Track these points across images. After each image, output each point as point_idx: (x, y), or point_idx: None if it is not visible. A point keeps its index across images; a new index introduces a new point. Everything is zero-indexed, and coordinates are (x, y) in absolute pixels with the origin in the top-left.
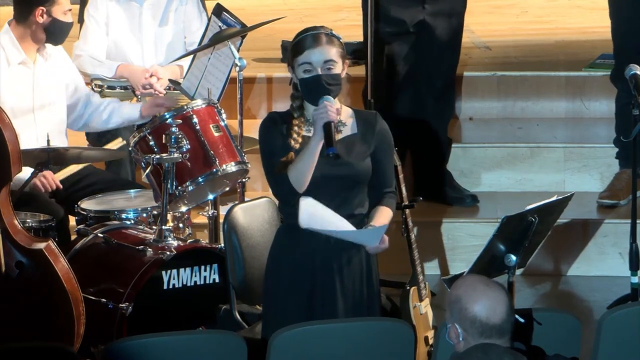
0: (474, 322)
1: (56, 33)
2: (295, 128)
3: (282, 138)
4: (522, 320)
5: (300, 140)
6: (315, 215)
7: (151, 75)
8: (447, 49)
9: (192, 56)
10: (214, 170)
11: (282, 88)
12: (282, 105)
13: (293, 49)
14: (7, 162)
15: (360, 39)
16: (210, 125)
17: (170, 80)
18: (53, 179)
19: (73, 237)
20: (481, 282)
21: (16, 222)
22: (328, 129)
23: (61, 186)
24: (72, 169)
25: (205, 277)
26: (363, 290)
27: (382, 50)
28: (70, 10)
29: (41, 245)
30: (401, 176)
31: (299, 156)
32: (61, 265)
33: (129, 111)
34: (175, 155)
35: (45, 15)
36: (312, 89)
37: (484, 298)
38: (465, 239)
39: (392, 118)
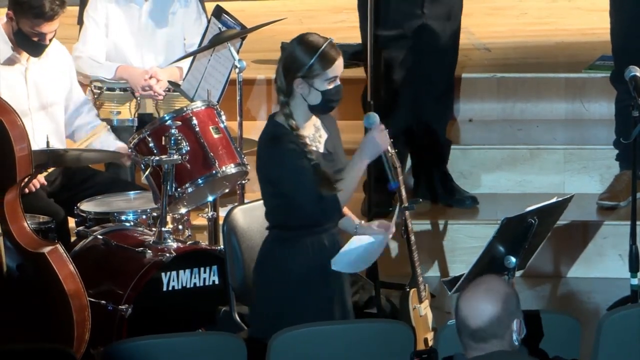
0: (457, 315)
1: (21, 44)
2: (308, 142)
3: (307, 160)
4: (516, 342)
5: (314, 155)
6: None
7: (150, 77)
8: (446, 51)
9: (191, 58)
10: (214, 172)
11: None
12: None
13: (321, 61)
14: (12, 164)
15: (360, 40)
16: (210, 127)
17: (170, 82)
18: (37, 178)
19: (73, 238)
20: (487, 287)
21: (25, 224)
22: (386, 159)
23: (45, 182)
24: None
25: (204, 278)
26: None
27: (380, 54)
28: (44, 34)
29: (45, 249)
30: (400, 178)
31: (348, 178)
32: (65, 269)
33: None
34: (175, 156)
35: (13, 22)
36: (333, 100)
37: (473, 300)
38: (465, 240)
39: (392, 120)
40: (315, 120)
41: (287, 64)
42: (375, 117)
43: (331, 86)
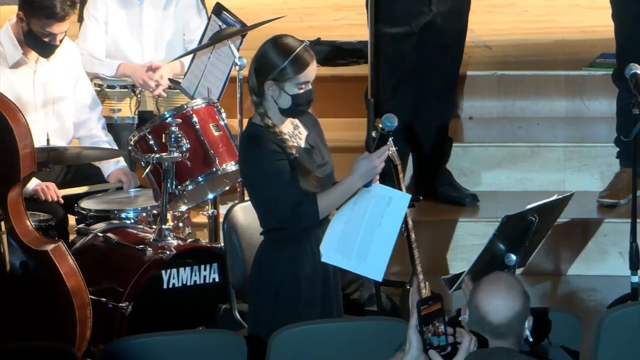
0: (476, 310)
1: (31, 44)
2: (286, 138)
3: (286, 157)
4: (530, 339)
5: (294, 150)
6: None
7: (152, 70)
8: (451, 48)
9: (191, 55)
10: (214, 169)
11: None
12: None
13: (294, 65)
14: (16, 161)
15: (360, 38)
16: (210, 125)
17: (170, 80)
18: (55, 190)
19: (73, 236)
20: (507, 284)
21: (28, 222)
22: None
23: (62, 200)
24: (80, 189)
25: (205, 276)
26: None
27: (386, 50)
28: (54, 34)
29: (48, 247)
30: (401, 175)
31: (333, 193)
32: (68, 267)
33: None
34: (175, 154)
35: (24, 22)
36: (303, 104)
37: (496, 296)
38: (466, 238)
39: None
40: (292, 119)
41: (260, 65)
42: (395, 120)
43: (301, 91)
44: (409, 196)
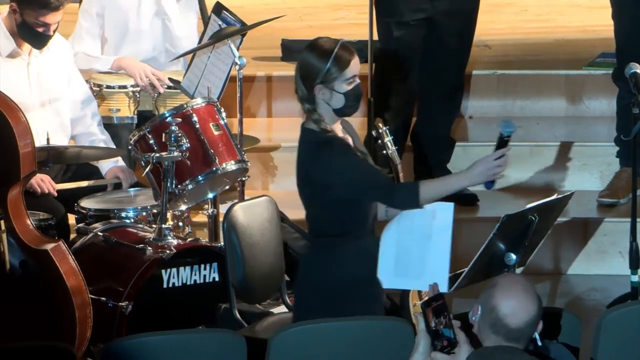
0: (492, 312)
1: (24, 35)
2: (349, 141)
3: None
4: (539, 343)
5: (359, 153)
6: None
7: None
8: (456, 49)
9: (191, 55)
10: (214, 168)
11: (281, 87)
12: (281, 103)
13: (337, 64)
14: (16, 161)
15: (360, 37)
16: (210, 124)
17: (170, 79)
18: (50, 182)
19: (73, 235)
20: (524, 287)
21: (28, 222)
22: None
23: (55, 193)
24: (76, 184)
25: (205, 275)
26: None
27: (393, 49)
28: (48, 24)
29: (48, 246)
30: (401, 175)
31: (439, 184)
32: (68, 267)
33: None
34: (175, 153)
35: (17, 13)
36: (357, 98)
37: (514, 299)
38: (466, 238)
39: (393, 113)
40: (339, 125)
41: (304, 72)
42: (512, 125)
43: (351, 86)
44: (452, 204)
